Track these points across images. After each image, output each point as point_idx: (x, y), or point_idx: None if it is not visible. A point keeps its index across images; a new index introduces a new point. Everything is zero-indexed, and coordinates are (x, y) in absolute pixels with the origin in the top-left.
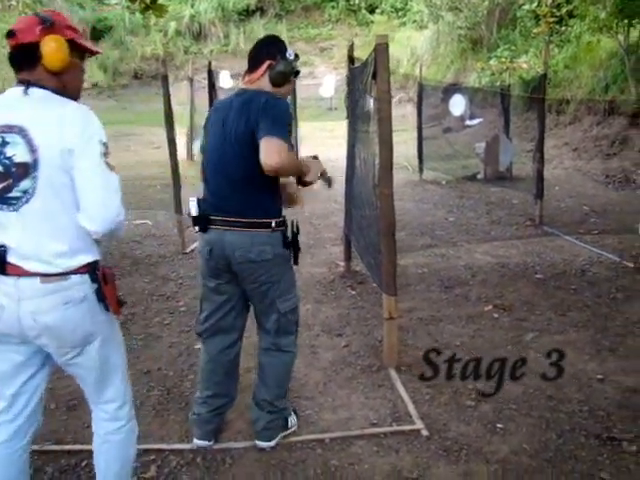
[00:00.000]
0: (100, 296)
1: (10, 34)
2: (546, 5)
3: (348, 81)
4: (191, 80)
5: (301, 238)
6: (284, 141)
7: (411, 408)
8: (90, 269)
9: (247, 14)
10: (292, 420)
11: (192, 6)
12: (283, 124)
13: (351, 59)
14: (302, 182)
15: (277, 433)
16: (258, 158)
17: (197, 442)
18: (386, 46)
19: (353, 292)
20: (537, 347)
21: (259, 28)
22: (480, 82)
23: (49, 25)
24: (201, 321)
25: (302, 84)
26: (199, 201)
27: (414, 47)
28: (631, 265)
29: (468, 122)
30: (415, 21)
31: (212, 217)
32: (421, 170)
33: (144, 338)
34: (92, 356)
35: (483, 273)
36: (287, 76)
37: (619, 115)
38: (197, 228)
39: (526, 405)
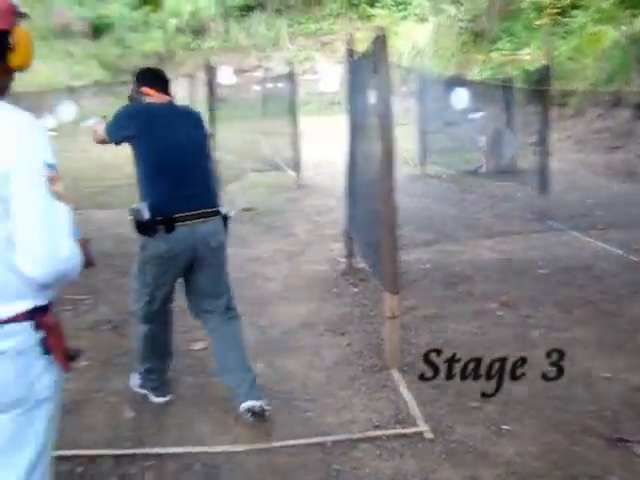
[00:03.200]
0: (45, 348)
1: None
2: None
3: (348, 75)
4: (191, 77)
5: (301, 235)
6: None
7: (414, 410)
8: (31, 316)
9: (247, 10)
10: None
11: (193, 2)
12: None
13: (351, 52)
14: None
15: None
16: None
17: (162, 399)
18: (384, 38)
19: (355, 289)
20: (542, 345)
21: (259, 23)
22: (482, 75)
23: (22, 16)
24: (150, 310)
25: (303, 79)
26: (150, 206)
27: (415, 40)
28: (637, 260)
29: (470, 115)
30: (416, 14)
31: (179, 215)
32: (422, 164)
33: None
34: (2, 424)
35: (487, 269)
36: None
37: (623, 107)
38: (160, 230)
39: (532, 405)
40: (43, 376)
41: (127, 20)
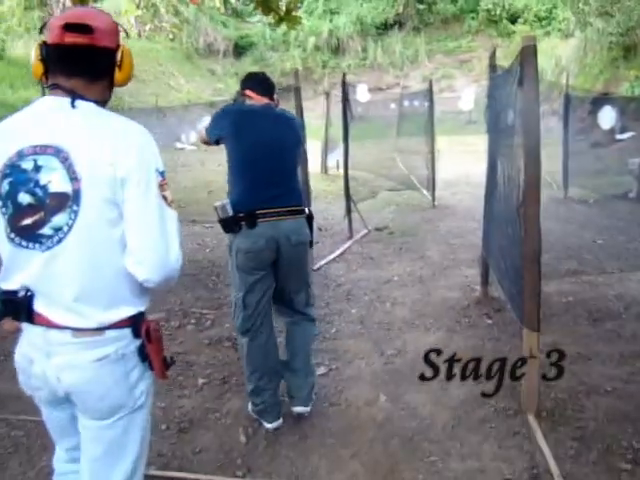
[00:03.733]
0: (143, 355)
1: (83, 29)
2: None
3: (489, 91)
4: (327, 94)
5: (434, 257)
6: None
7: (552, 464)
8: (132, 322)
9: (385, 28)
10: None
11: (331, 21)
12: None
13: (493, 67)
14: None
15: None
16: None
17: (271, 425)
18: (534, 48)
19: (489, 321)
20: None
21: (397, 41)
22: (633, 92)
23: (126, 35)
24: (246, 318)
25: (441, 97)
26: (233, 202)
27: (559, 57)
28: None
29: (619, 136)
30: (560, 30)
31: (261, 212)
32: (566, 187)
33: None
34: (102, 432)
35: (638, 305)
36: None
37: None
38: (242, 225)
39: None
40: (140, 382)
41: (267, 39)
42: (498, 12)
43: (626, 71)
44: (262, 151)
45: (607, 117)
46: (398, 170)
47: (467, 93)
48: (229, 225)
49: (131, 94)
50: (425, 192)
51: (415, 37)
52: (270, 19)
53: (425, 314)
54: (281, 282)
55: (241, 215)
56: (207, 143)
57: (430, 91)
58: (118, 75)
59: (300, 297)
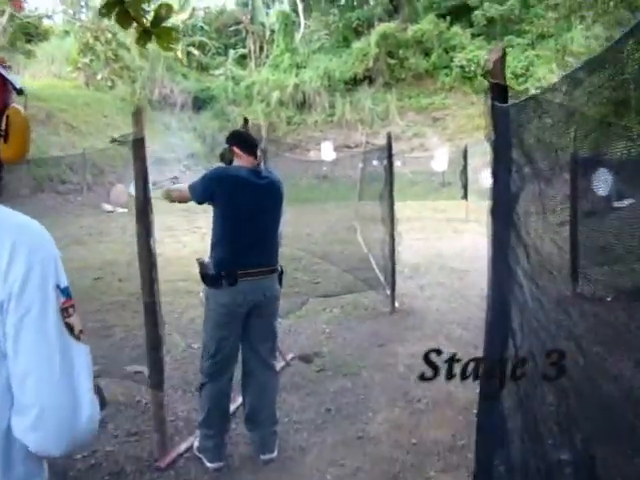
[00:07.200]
0: None
1: None
2: None
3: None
4: (264, 151)
5: (382, 444)
6: None
7: None
8: None
9: (354, 83)
10: None
11: (296, 75)
12: None
13: (497, 87)
14: None
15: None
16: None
17: (213, 465)
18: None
19: None
20: None
21: (366, 97)
22: (630, 152)
23: (18, 92)
24: (213, 363)
25: (412, 156)
26: (216, 261)
27: None
28: None
29: (616, 204)
30: (539, 87)
31: (242, 271)
32: (575, 280)
33: None
34: None
35: None
36: None
37: None
38: (222, 282)
39: None
40: None
41: (229, 93)
42: (472, 68)
43: (619, 129)
44: (250, 219)
45: (602, 181)
46: (355, 246)
47: (441, 153)
48: (211, 281)
49: (63, 147)
50: (382, 292)
51: (386, 93)
52: (130, 29)
53: None
54: (251, 332)
55: (223, 273)
56: (183, 201)
57: (389, 146)
58: (3, 149)
59: (267, 347)
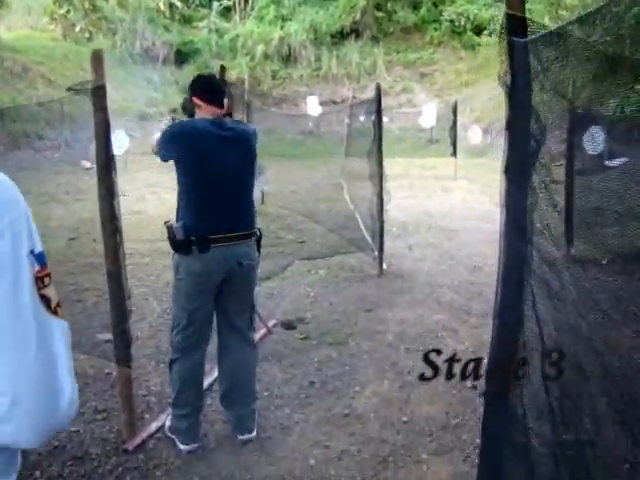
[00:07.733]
0: None
1: None
2: None
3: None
4: (248, 104)
5: (370, 424)
6: None
7: None
8: None
9: (341, 36)
10: None
11: (282, 28)
12: None
13: (515, 19)
14: None
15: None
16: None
17: (186, 448)
18: None
19: None
20: None
21: (353, 51)
22: (623, 111)
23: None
24: (185, 337)
25: (400, 112)
26: (184, 226)
27: None
28: None
29: (608, 162)
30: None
31: (214, 237)
32: (569, 242)
33: None
34: None
35: None
36: None
37: None
38: (193, 249)
39: None
40: None
41: (213, 46)
42: (462, 23)
43: (612, 87)
44: (217, 177)
45: (594, 140)
46: (342, 204)
47: (428, 109)
48: (180, 247)
49: (39, 99)
50: (369, 253)
51: (373, 47)
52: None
53: None
54: (226, 303)
55: (193, 239)
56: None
57: (378, 99)
58: None
59: (244, 319)
